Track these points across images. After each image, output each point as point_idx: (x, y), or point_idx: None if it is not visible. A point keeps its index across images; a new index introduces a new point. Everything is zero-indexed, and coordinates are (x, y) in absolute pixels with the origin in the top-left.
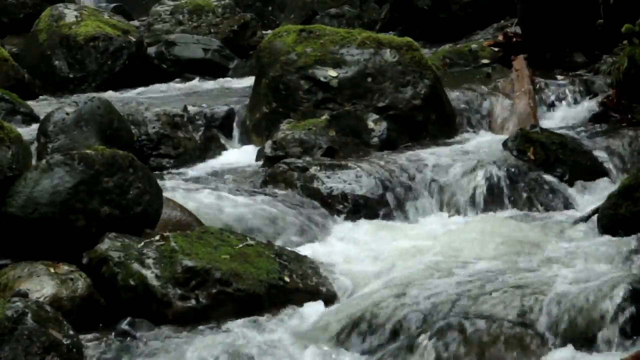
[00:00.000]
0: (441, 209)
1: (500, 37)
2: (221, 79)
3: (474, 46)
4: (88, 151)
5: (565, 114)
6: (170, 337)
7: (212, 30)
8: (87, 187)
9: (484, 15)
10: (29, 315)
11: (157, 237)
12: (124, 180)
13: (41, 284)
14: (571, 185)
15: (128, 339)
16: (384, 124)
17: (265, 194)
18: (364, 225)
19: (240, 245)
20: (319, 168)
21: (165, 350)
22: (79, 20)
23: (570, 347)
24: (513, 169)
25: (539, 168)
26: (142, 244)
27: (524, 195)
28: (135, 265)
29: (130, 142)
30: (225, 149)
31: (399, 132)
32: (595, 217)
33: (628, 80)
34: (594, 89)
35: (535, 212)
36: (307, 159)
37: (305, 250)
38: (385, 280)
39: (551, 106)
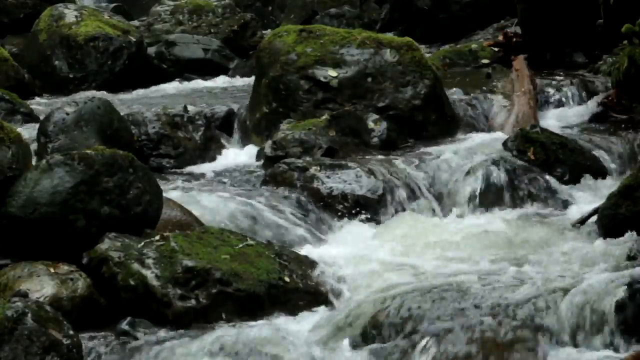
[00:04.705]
0: (441, 209)
1: (500, 37)
2: (221, 79)
3: (474, 46)
4: (88, 151)
5: (565, 114)
6: (170, 337)
7: (212, 30)
8: (87, 187)
9: (484, 15)
10: (29, 315)
11: (157, 237)
12: (124, 180)
13: (41, 284)
14: (571, 185)
15: (128, 339)
16: (384, 124)
17: (265, 194)
18: (364, 225)
19: (240, 245)
20: (319, 168)
21: (165, 350)
22: (79, 20)
23: (570, 347)
24: (513, 169)
25: (539, 168)
26: (142, 244)
27: (524, 195)
28: (135, 265)
29: (130, 142)
30: (225, 149)
31: (399, 132)
32: (595, 217)
33: (628, 80)
34: (594, 89)
35: (535, 212)
36: (307, 159)
37: (305, 250)
38: (386, 280)
39: (551, 106)
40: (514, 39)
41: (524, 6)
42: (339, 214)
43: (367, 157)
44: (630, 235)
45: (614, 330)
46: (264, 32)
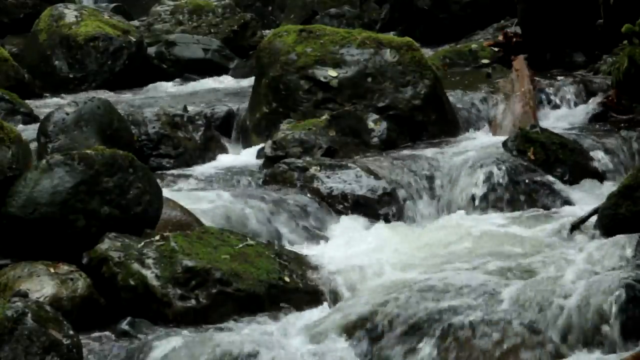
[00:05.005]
0: (441, 209)
1: (500, 37)
2: (221, 79)
3: (474, 46)
4: (88, 151)
5: (565, 114)
6: (170, 337)
7: (212, 30)
8: (87, 187)
9: (484, 15)
10: (29, 315)
11: (157, 237)
12: (124, 180)
13: (41, 284)
14: (571, 185)
15: (128, 339)
16: (384, 124)
17: (265, 194)
18: (364, 226)
19: (240, 245)
20: (319, 168)
21: (165, 350)
22: (79, 20)
23: (570, 348)
24: (513, 169)
25: (539, 168)
26: (142, 244)
27: (524, 195)
28: (135, 265)
29: (130, 142)
30: (225, 149)
31: (399, 132)
32: (595, 217)
33: (628, 80)
34: (594, 89)
35: (535, 212)
36: (307, 159)
37: (305, 250)
38: (385, 281)
39: (551, 106)
40: (514, 39)
41: (524, 6)
42: (339, 213)
43: (367, 157)
44: (630, 235)
45: (614, 331)
46: (264, 32)
